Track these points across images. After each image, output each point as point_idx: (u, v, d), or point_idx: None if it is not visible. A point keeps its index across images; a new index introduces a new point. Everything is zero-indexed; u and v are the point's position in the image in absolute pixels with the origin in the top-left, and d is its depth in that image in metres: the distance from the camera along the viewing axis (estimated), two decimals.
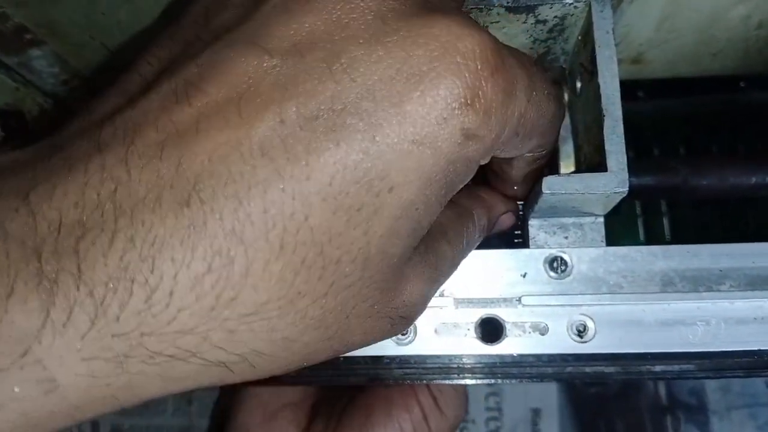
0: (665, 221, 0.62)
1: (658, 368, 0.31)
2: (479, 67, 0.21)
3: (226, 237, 0.20)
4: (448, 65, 0.21)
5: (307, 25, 0.21)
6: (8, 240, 0.19)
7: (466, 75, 0.21)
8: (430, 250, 0.26)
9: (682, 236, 0.62)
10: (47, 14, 0.36)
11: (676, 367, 0.31)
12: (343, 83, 0.20)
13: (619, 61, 0.42)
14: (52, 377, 0.19)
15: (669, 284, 0.31)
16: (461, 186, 0.24)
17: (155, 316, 0.20)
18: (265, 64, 0.21)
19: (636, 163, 0.36)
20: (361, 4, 0.21)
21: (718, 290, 0.30)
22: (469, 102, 0.21)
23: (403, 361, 0.32)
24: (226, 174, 0.20)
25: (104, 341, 0.20)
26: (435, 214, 0.23)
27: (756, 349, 0.30)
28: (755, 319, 0.30)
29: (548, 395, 0.59)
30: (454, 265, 0.29)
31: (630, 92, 0.63)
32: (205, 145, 0.20)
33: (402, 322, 0.26)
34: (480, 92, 0.21)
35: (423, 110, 0.21)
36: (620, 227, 0.63)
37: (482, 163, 0.24)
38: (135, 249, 0.19)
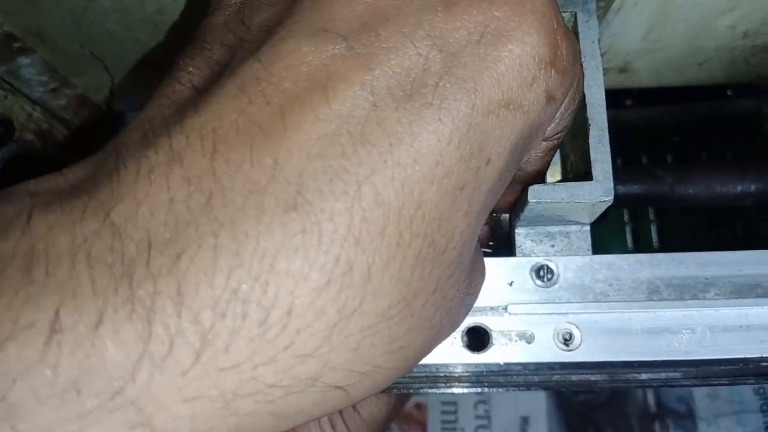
0: (653, 228, 0.63)
1: (644, 376, 0.32)
2: (555, 25, 0.20)
3: (342, 240, 0.18)
4: (531, 23, 0.20)
5: (364, 6, 0.20)
6: (93, 266, 0.17)
7: (549, 32, 0.20)
8: None
9: (670, 243, 0.63)
10: (36, 23, 0.36)
11: (662, 375, 0.32)
12: (431, 53, 0.19)
13: (606, 70, 0.42)
14: (148, 421, 0.17)
15: (655, 292, 0.31)
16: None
17: (271, 341, 0.18)
18: (339, 47, 0.19)
19: (623, 172, 0.36)
20: None
21: (704, 298, 0.31)
22: (551, 61, 0.20)
23: None
24: (330, 170, 0.18)
25: (211, 377, 0.17)
26: (506, 185, 0.22)
27: (741, 356, 0.30)
28: (740, 326, 0.30)
29: (537, 403, 0.59)
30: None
31: (618, 100, 0.64)
32: (298, 141, 0.18)
33: (469, 309, 0.25)
34: (558, 51, 0.21)
35: (515, 70, 0.20)
36: (608, 234, 0.63)
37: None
38: (243, 266, 0.17)
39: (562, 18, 0.21)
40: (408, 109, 0.19)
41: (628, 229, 0.63)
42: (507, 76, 0.20)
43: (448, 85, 0.19)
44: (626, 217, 0.63)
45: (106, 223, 0.18)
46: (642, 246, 0.63)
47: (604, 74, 0.42)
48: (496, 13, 0.20)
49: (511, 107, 0.20)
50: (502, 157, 0.20)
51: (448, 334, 0.23)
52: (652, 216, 0.62)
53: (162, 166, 0.18)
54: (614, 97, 0.63)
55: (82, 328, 0.16)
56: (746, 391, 0.63)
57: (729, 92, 0.62)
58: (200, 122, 0.19)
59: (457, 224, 0.20)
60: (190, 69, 0.22)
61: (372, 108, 0.19)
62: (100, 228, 0.17)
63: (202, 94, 0.20)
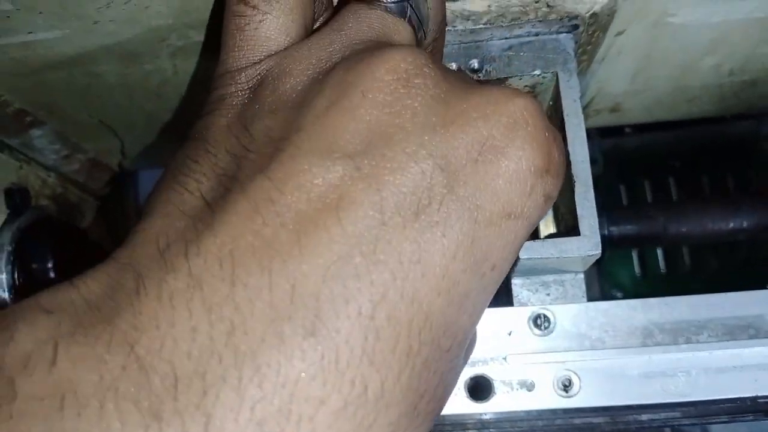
0: (659, 253, 0.63)
1: (644, 417, 0.32)
2: (547, 134, 0.22)
3: (358, 362, 0.19)
4: (524, 138, 0.21)
5: (372, 120, 0.21)
6: (122, 405, 0.17)
7: (542, 144, 0.21)
8: None
9: (676, 267, 0.63)
10: (45, 98, 0.38)
11: (662, 416, 0.32)
12: (434, 173, 0.20)
13: (598, 111, 0.43)
14: None
15: (649, 337, 0.32)
16: None
17: None
18: (347, 168, 0.20)
19: (615, 214, 0.37)
20: (420, 91, 0.21)
21: (697, 341, 0.31)
22: (546, 169, 0.22)
23: None
24: (345, 292, 0.19)
25: None
26: None
27: (737, 396, 0.31)
28: (734, 367, 0.31)
29: None
30: None
31: (617, 128, 0.64)
32: (315, 265, 0.19)
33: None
34: (552, 157, 0.22)
35: (513, 184, 0.21)
36: (615, 261, 0.64)
37: None
38: (266, 398, 0.18)
39: (549, 122, 0.22)
40: (415, 228, 0.20)
41: (634, 255, 0.64)
42: (506, 189, 0.21)
43: (451, 204, 0.20)
44: None
45: (131, 358, 0.18)
46: (649, 271, 0.63)
47: (596, 115, 0.43)
48: (491, 131, 0.21)
49: (513, 216, 0.21)
50: (507, 261, 0.22)
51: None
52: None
53: (182, 292, 0.19)
54: (613, 127, 0.64)
55: None
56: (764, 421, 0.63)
57: (727, 116, 0.63)
58: (216, 244, 0.19)
59: (462, 326, 0.21)
60: (198, 176, 0.22)
61: (381, 227, 0.19)
62: (125, 363, 0.18)
63: (213, 209, 0.21)
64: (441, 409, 0.22)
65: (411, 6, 0.26)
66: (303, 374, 0.18)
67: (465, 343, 0.22)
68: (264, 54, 0.25)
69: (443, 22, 0.28)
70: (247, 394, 0.18)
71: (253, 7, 0.25)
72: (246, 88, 0.24)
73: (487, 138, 0.21)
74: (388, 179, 0.20)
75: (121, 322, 0.18)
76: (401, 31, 0.25)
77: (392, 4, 0.25)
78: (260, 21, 0.25)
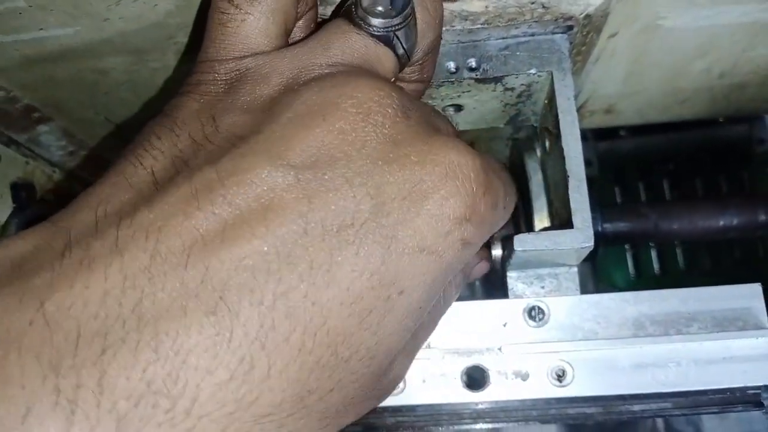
0: (653, 253, 0.64)
1: (636, 407, 0.33)
2: (475, 189, 0.24)
3: (249, 344, 0.21)
4: (452, 188, 0.24)
5: (325, 142, 0.23)
6: (23, 355, 0.19)
7: (466, 196, 0.24)
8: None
9: (670, 267, 0.64)
10: (54, 95, 0.39)
11: (653, 406, 0.33)
12: (363, 199, 0.22)
13: (593, 112, 0.44)
14: None
15: (641, 328, 0.33)
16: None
17: (175, 426, 0.20)
18: (288, 178, 0.22)
19: (609, 212, 0.38)
20: (375, 127, 0.24)
21: (688, 333, 0.32)
22: (467, 218, 0.24)
23: (395, 410, 0.33)
24: (252, 283, 0.21)
25: None
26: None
27: (726, 387, 0.32)
28: (723, 358, 0.32)
29: (546, 428, 0.60)
30: (432, 329, 0.31)
31: (612, 131, 0.66)
32: (231, 254, 0.21)
33: (387, 395, 0.28)
34: (476, 209, 0.24)
35: (431, 225, 0.23)
36: (610, 261, 0.65)
37: None
38: (159, 361, 0.19)
39: (489, 175, 0.25)
40: (332, 242, 0.22)
41: (629, 256, 0.65)
42: (423, 228, 0.23)
43: (370, 229, 0.22)
44: (627, 245, 0.65)
45: (39, 313, 0.19)
46: (643, 272, 0.64)
47: (590, 116, 0.44)
48: (425, 176, 0.23)
49: (425, 252, 0.23)
50: (417, 289, 0.24)
51: (354, 419, 0.26)
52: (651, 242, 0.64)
53: (103, 257, 0.20)
54: (608, 129, 0.65)
55: (11, 420, 0.18)
56: (754, 412, 0.64)
57: (720, 119, 0.64)
58: (149, 219, 0.21)
59: (363, 340, 0.23)
60: (155, 153, 0.23)
61: (302, 235, 0.22)
62: (33, 318, 0.19)
63: (158, 188, 0.22)
64: (343, 416, 0.24)
65: (396, 36, 0.27)
66: (197, 346, 0.20)
67: (370, 363, 0.24)
68: (244, 52, 0.26)
69: (434, 44, 0.30)
70: (141, 356, 0.19)
71: (236, 6, 0.26)
72: (222, 79, 0.26)
73: (419, 181, 0.23)
74: (321, 195, 0.22)
75: (37, 279, 0.20)
76: (383, 59, 0.27)
77: (379, 32, 0.27)
78: (242, 20, 0.26)
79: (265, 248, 0.21)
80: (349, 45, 0.26)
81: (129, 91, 0.39)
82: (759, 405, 0.33)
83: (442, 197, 0.23)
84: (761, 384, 0.32)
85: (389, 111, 0.24)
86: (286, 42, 0.28)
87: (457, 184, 0.24)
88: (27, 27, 0.31)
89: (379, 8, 0.26)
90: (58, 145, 0.44)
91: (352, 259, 0.22)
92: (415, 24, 0.28)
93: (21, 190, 0.42)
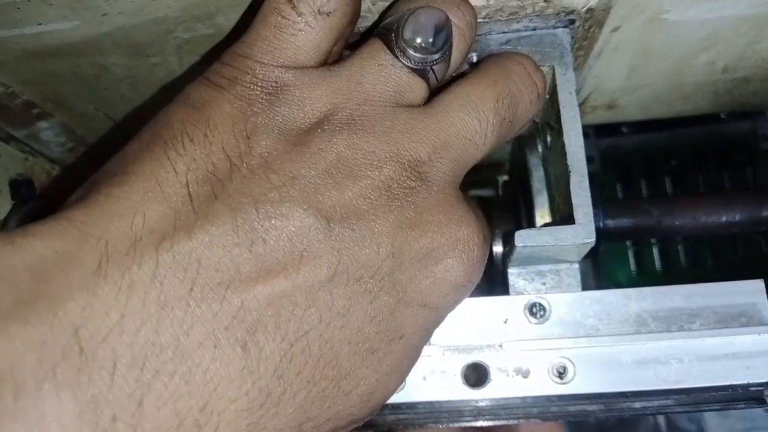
0: (655, 251, 0.64)
1: (638, 404, 0.33)
2: (475, 262, 0.27)
3: (270, 376, 0.22)
4: (459, 259, 0.26)
5: (357, 200, 0.25)
6: (59, 387, 0.19)
7: (468, 267, 0.27)
8: None
9: (672, 265, 0.64)
10: (53, 91, 0.39)
11: (655, 403, 0.33)
12: (386, 257, 0.25)
13: (595, 108, 0.44)
14: None
15: (642, 325, 0.32)
16: None
17: None
18: (321, 228, 0.24)
19: (611, 207, 0.38)
20: (406, 196, 0.26)
21: (690, 329, 0.32)
22: (463, 285, 0.27)
23: (395, 407, 0.33)
24: (279, 320, 0.22)
25: None
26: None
27: (728, 383, 0.32)
28: (726, 355, 0.32)
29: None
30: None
31: (614, 128, 0.65)
32: (265, 294, 0.22)
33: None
34: (470, 277, 0.27)
35: (436, 287, 0.26)
36: (611, 259, 0.65)
37: None
38: (191, 393, 0.20)
39: (486, 247, 0.28)
40: (353, 289, 0.24)
41: (630, 253, 0.65)
42: (429, 288, 0.26)
43: (387, 282, 0.25)
44: (629, 242, 0.64)
45: (73, 341, 0.19)
46: (645, 269, 0.64)
47: (593, 111, 0.44)
48: (439, 246, 0.26)
49: (427, 307, 0.26)
50: (414, 335, 0.26)
51: None
52: (654, 239, 0.64)
53: (142, 284, 0.20)
54: (610, 126, 0.65)
55: None
56: (757, 409, 0.63)
57: (722, 115, 0.63)
58: (189, 247, 0.22)
59: (364, 376, 0.25)
60: (187, 160, 0.23)
61: (328, 281, 0.23)
62: (67, 345, 0.19)
63: (197, 211, 0.22)
64: None
65: (433, 70, 0.28)
66: (225, 378, 0.21)
67: (369, 398, 0.26)
68: (290, 62, 0.26)
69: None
70: (175, 388, 0.20)
71: (299, 14, 0.26)
72: (260, 86, 0.26)
73: (434, 249, 0.26)
74: (350, 248, 0.24)
75: (71, 301, 0.19)
76: (415, 89, 0.28)
77: (417, 66, 0.27)
78: (299, 30, 0.26)
79: (296, 291, 0.23)
80: (383, 78, 0.27)
81: (129, 87, 0.39)
82: (761, 402, 0.32)
83: (450, 265, 0.26)
84: (764, 381, 0.32)
85: (413, 181, 0.26)
86: (328, 58, 0.28)
87: (463, 257, 0.27)
88: (25, 21, 0.31)
89: (420, 42, 0.26)
90: (57, 142, 0.44)
91: (367, 307, 0.24)
92: (451, 55, 0.28)
93: (20, 187, 0.42)
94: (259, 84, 0.26)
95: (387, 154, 0.26)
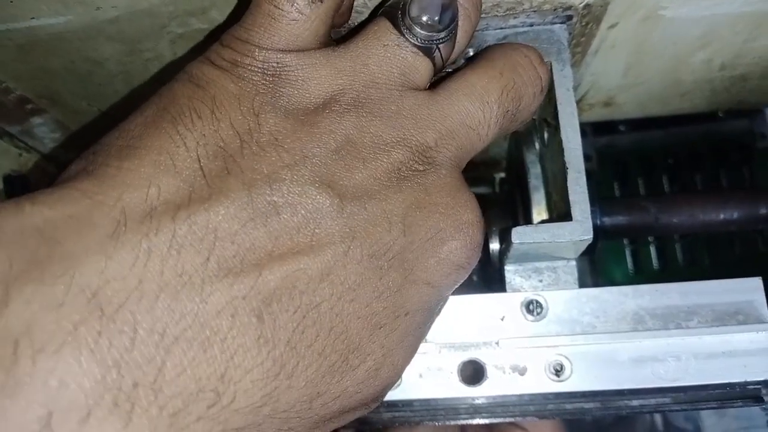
0: (652, 250, 0.64)
1: (635, 402, 0.33)
2: (477, 245, 0.28)
3: (283, 346, 0.22)
4: (462, 241, 0.27)
5: (369, 181, 0.25)
6: (81, 352, 0.18)
7: (470, 249, 0.27)
8: None
9: (669, 264, 0.64)
10: (47, 86, 0.39)
11: (652, 401, 0.33)
12: (398, 236, 0.25)
13: (592, 105, 0.44)
14: None
15: (640, 322, 0.32)
16: None
17: (212, 419, 0.21)
18: (335, 206, 0.24)
19: (608, 205, 0.38)
20: (410, 176, 0.26)
21: (687, 327, 0.32)
22: (464, 266, 0.27)
23: (391, 405, 0.33)
24: (293, 293, 0.23)
25: None
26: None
27: (726, 382, 0.32)
28: (723, 353, 0.32)
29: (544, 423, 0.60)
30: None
31: (611, 126, 0.65)
32: (281, 269, 0.22)
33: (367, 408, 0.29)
34: (470, 259, 0.27)
35: (440, 266, 0.26)
36: (609, 258, 0.65)
37: None
38: (209, 360, 0.21)
39: (484, 231, 0.28)
40: (364, 265, 0.24)
41: (627, 252, 0.65)
42: (433, 267, 0.26)
43: (396, 261, 0.25)
44: (626, 240, 0.64)
45: (93, 304, 0.19)
46: (642, 268, 0.64)
47: (590, 109, 0.44)
48: (445, 227, 0.26)
49: (431, 285, 0.27)
50: (418, 312, 0.27)
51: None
52: (651, 238, 0.63)
53: (159, 251, 0.20)
54: (607, 124, 0.65)
55: (71, 425, 0.18)
56: (753, 408, 0.63)
57: (720, 113, 0.63)
58: (205, 220, 0.22)
59: (371, 351, 0.25)
60: (197, 136, 0.23)
61: (342, 257, 0.24)
62: (86, 310, 0.19)
63: (211, 185, 0.22)
64: (337, 422, 0.26)
65: (439, 48, 0.27)
66: (241, 346, 0.21)
67: (375, 375, 0.26)
68: (290, 47, 0.26)
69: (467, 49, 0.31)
70: (194, 355, 0.20)
71: (292, 4, 0.26)
72: (260, 68, 0.26)
73: (441, 230, 0.26)
74: (363, 226, 0.24)
75: (86, 264, 0.19)
76: (421, 70, 0.28)
77: (422, 44, 0.27)
78: (294, 19, 0.26)
79: (310, 266, 0.23)
80: (388, 59, 0.27)
81: (123, 82, 0.38)
82: (759, 400, 0.32)
83: (454, 247, 0.26)
84: (761, 379, 0.31)
85: (420, 163, 0.26)
86: (330, 38, 0.28)
87: (467, 240, 0.27)
88: (18, 16, 0.31)
89: (426, 20, 0.26)
90: (52, 137, 0.44)
91: (376, 282, 0.25)
92: (456, 35, 0.28)
93: (14, 183, 0.42)
94: (260, 66, 0.25)
95: (394, 139, 0.26)
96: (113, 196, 0.21)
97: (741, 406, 0.33)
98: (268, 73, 0.25)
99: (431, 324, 0.30)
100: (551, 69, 0.32)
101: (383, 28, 0.27)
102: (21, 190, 0.42)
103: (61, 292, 0.19)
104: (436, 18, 0.26)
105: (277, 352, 0.22)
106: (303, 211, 0.23)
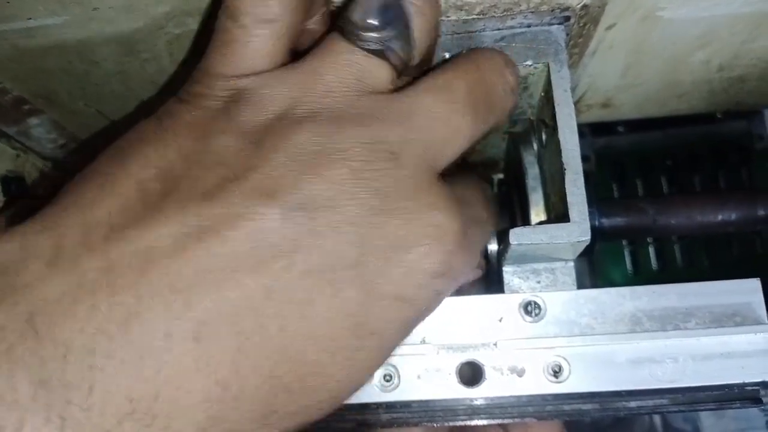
0: (651, 251, 0.64)
1: (633, 404, 0.33)
2: (452, 248, 0.26)
3: (226, 368, 0.22)
4: (431, 246, 0.25)
5: (315, 190, 0.24)
6: (14, 370, 0.19)
7: (443, 254, 0.25)
8: None
9: (668, 265, 0.64)
10: (44, 86, 0.38)
11: (650, 402, 0.33)
12: (347, 248, 0.24)
13: (590, 106, 0.44)
14: None
15: (638, 324, 0.32)
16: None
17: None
18: (279, 219, 0.23)
19: (606, 206, 0.37)
20: (365, 180, 0.24)
21: (685, 328, 0.32)
22: (442, 273, 0.26)
23: (389, 406, 0.33)
24: (234, 314, 0.22)
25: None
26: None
27: (724, 383, 0.31)
28: (721, 354, 0.32)
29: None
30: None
31: (610, 127, 0.65)
32: (219, 292, 0.22)
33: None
34: (451, 265, 0.26)
35: (408, 277, 0.25)
36: (607, 259, 0.65)
37: None
38: (143, 380, 0.21)
39: (467, 233, 0.26)
40: (314, 281, 0.23)
41: (626, 253, 0.65)
42: (401, 279, 0.25)
43: (352, 274, 0.24)
44: (624, 242, 0.64)
45: (28, 325, 0.20)
46: (641, 269, 0.64)
47: (588, 110, 0.44)
48: (408, 232, 0.25)
49: (402, 300, 0.25)
50: (387, 331, 0.25)
51: None
52: (649, 239, 0.64)
53: (93, 274, 0.21)
54: (605, 125, 0.65)
55: None
56: (752, 409, 0.63)
57: (718, 115, 0.63)
58: (138, 240, 0.22)
59: (333, 373, 0.24)
60: (140, 159, 0.24)
61: (285, 272, 0.23)
62: (22, 330, 0.20)
63: (146, 205, 0.23)
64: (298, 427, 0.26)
65: (391, 47, 0.27)
66: (179, 368, 0.21)
67: (337, 395, 0.25)
68: (245, 71, 0.26)
69: (433, 46, 0.30)
70: (127, 374, 0.20)
71: (241, 27, 0.26)
72: (219, 96, 0.26)
73: (404, 236, 0.25)
74: (307, 239, 0.23)
75: (26, 290, 0.21)
76: (376, 73, 0.27)
77: (373, 46, 0.27)
78: (246, 42, 0.26)
79: (248, 284, 0.22)
80: (341, 66, 0.26)
81: (120, 83, 0.38)
82: (757, 401, 0.32)
83: (422, 253, 0.25)
84: (759, 380, 0.31)
85: (380, 165, 0.25)
86: (288, 57, 0.28)
87: (437, 245, 0.25)
88: (15, 16, 0.31)
89: (370, 22, 0.26)
90: (48, 138, 0.43)
91: (329, 300, 0.23)
92: (411, 30, 0.27)
93: (11, 184, 0.42)
94: (218, 94, 0.26)
95: (352, 143, 0.25)
96: (57, 219, 0.23)
97: (739, 407, 0.33)
98: (225, 99, 0.26)
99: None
100: (549, 70, 0.32)
101: (333, 38, 0.27)
102: (18, 190, 0.42)
103: (2, 317, 0.20)
104: (378, 18, 0.26)
105: (219, 375, 0.22)
106: (241, 226, 0.23)
